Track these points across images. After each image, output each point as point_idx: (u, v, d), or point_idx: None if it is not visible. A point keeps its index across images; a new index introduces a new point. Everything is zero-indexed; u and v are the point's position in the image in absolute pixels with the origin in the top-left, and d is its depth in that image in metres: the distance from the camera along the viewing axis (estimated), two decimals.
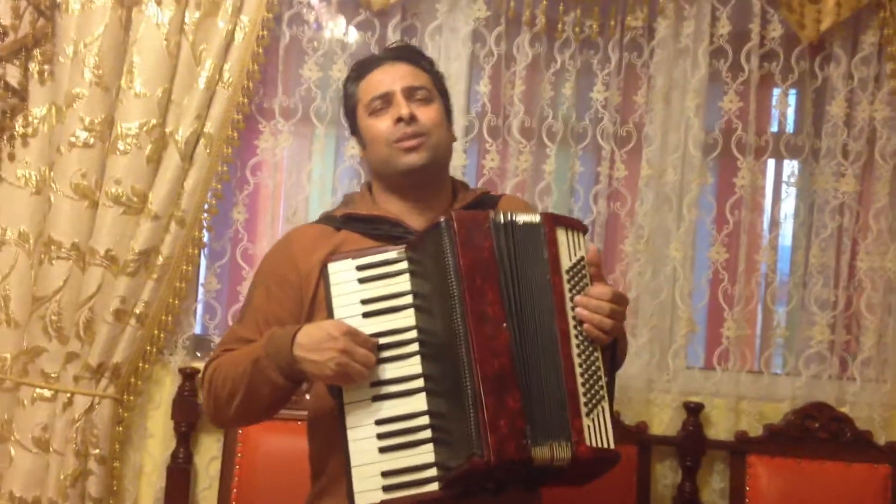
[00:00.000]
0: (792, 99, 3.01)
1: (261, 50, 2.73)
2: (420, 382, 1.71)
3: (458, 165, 2.86)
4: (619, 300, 1.77)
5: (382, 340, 1.73)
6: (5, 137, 2.71)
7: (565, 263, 1.74)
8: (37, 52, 2.69)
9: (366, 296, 1.75)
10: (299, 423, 2.74)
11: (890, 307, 2.95)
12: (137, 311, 2.70)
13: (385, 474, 1.68)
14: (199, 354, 2.91)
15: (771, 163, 3.02)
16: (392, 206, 1.98)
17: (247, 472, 2.74)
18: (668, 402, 2.90)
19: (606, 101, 2.88)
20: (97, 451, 2.69)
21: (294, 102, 2.87)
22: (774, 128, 2.99)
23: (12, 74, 2.68)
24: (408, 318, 1.74)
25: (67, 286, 2.68)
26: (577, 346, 1.71)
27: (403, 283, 1.75)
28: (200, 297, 2.92)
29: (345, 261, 1.78)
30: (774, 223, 2.98)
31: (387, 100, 1.95)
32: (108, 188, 2.66)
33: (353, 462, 1.70)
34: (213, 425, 2.75)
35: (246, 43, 2.69)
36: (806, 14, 2.78)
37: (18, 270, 2.71)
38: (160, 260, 2.70)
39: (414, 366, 1.72)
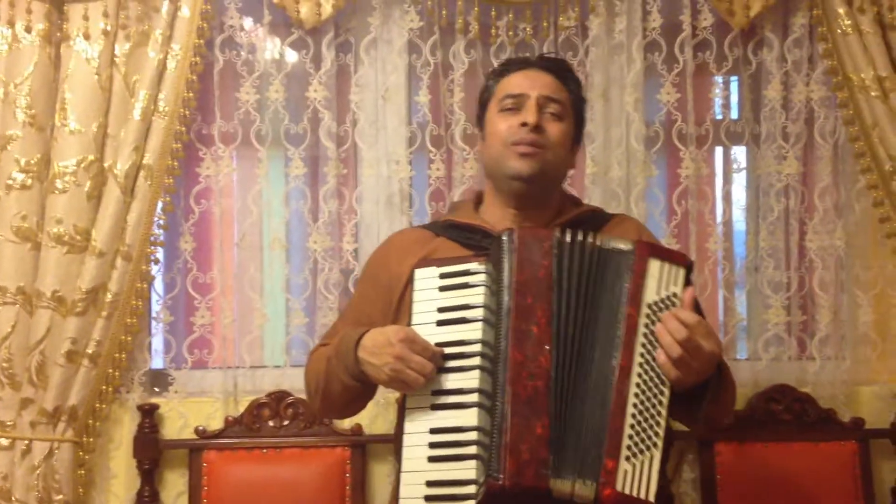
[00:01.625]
0: (734, 86, 3.03)
1: (195, 77, 2.71)
2: (475, 397, 1.69)
3: (405, 177, 2.85)
4: (702, 334, 1.65)
5: (450, 350, 1.73)
6: None
7: (650, 297, 1.67)
8: None
9: (443, 304, 1.77)
10: (264, 450, 2.77)
11: (842, 284, 2.97)
12: (90, 351, 2.66)
13: (429, 484, 1.68)
14: (156, 389, 2.87)
15: (719, 150, 3.04)
16: (494, 213, 1.98)
17: None
18: None
19: None
20: (60, 496, 2.65)
21: (233, 127, 2.85)
22: (719, 115, 3.00)
23: None
24: (475, 330, 1.72)
25: (16, 331, 2.65)
26: (639, 385, 1.64)
27: (478, 295, 1.74)
28: (154, 330, 2.88)
29: (430, 268, 1.81)
30: (723, 210, 2.99)
31: (519, 102, 1.93)
32: (49, 228, 2.62)
33: (403, 467, 1.72)
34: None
35: (179, 71, 2.67)
36: (735, 1, 2.80)
37: None
38: (109, 297, 2.66)
39: (472, 379, 1.71)
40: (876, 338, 2.96)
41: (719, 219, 2.99)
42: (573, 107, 2.00)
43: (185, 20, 2.67)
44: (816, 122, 2.92)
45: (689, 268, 1.73)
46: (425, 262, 1.85)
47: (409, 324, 1.78)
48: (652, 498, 1.60)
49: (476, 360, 1.70)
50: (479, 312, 1.73)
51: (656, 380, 1.65)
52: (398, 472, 1.74)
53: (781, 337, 2.94)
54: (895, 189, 2.83)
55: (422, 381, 1.71)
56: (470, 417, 1.68)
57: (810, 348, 2.97)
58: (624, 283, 1.67)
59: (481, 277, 1.74)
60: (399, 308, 1.92)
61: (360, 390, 1.88)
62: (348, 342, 1.82)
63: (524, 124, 1.89)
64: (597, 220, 2.01)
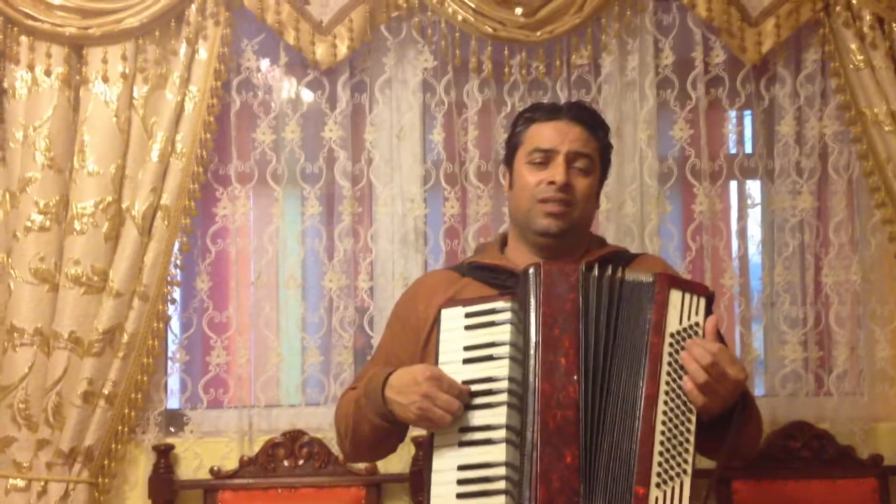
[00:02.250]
0: (747, 121, 3.04)
1: (212, 118, 2.74)
2: (503, 433, 1.70)
3: (420, 215, 2.86)
4: (726, 361, 1.67)
5: (477, 388, 1.74)
6: None
7: (672, 326, 1.70)
8: None
9: (469, 342, 1.78)
10: (279, 490, 2.76)
11: (859, 319, 2.96)
12: (106, 392, 2.67)
13: None
14: (172, 430, 2.87)
15: (733, 185, 3.04)
16: (520, 257, 1.98)
17: None
18: None
19: None
20: None
21: (250, 167, 2.87)
22: (733, 150, 3.01)
23: None
24: (502, 367, 1.73)
25: (33, 372, 2.66)
26: (665, 412, 1.66)
27: (504, 333, 1.75)
28: (170, 370, 2.89)
29: (456, 308, 1.82)
30: (738, 245, 2.99)
31: (548, 156, 1.95)
32: (67, 269, 2.64)
33: None
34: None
35: (196, 112, 2.70)
36: (746, 38, 2.81)
37: None
38: (125, 337, 2.67)
39: (500, 416, 1.71)
40: (894, 374, 2.94)
41: (734, 254, 2.99)
42: (601, 154, 2.02)
43: (202, 63, 2.71)
44: (830, 157, 2.92)
45: (709, 298, 1.75)
46: (451, 302, 1.87)
47: (435, 363, 1.79)
48: None
49: (504, 397, 1.71)
50: (505, 350, 1.74)
51: (683, 407, 1.67)
52: None
53: (799, 373, 2.93)
54: None
55: (448, 419, 1.72)
56: (498, 453, 1.68)
57: (828, 384, 2.95)
58: (647, 314, 1.70)
59: (507, 316, 1.76)
60: (425, 348, 1.94)
61: (390, 430, 1.89)
62: (376, 382, 1.84)
63: (552, 183, 1.92)
64: (621, 259, 2.01)
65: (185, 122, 2.70)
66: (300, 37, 2.74)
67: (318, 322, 2.90)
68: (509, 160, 2.06)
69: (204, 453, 2.83)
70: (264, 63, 2.87)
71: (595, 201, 2.04)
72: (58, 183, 2.66)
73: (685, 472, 1.64)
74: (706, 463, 2.80)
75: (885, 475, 2.86)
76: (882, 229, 2.91)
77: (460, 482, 1.70)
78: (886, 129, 2.80)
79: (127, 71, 2.67)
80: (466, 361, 1.77)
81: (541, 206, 1.93)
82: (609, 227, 2.87)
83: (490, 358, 1.75)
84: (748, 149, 3.03)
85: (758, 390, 3.03)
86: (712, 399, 1.67)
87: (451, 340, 1.80)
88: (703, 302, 1.73)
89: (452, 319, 1.81)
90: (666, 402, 1.66)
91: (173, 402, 2.93)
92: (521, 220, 1.99)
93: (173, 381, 2.91)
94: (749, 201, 3.01)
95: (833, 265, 2.93)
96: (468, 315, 1.80)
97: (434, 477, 1.74)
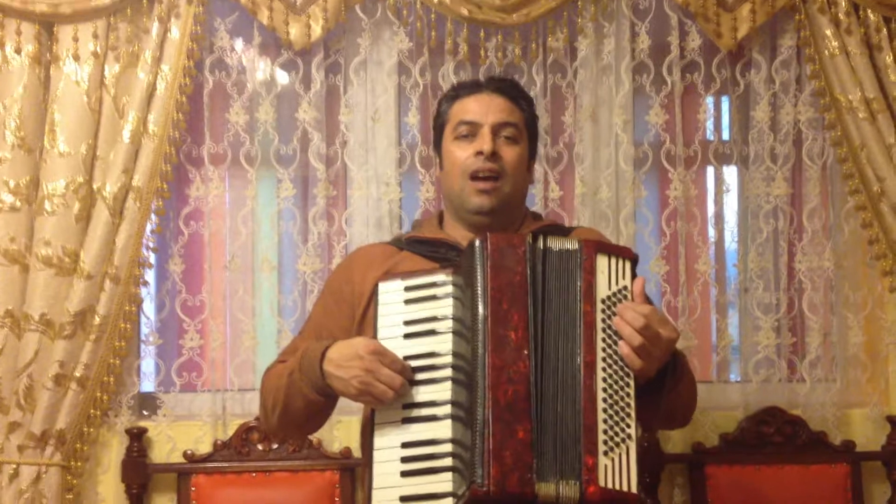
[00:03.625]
0: (724, 107, 3.05)
1: (184, 98, 2.71)
2: (448, 409, 1.67)
3: (395, 198, 2.85)
4: (657, 322, 1.68)
5: (419, 363, 1.71)
6: None
7: (602, 292, 1.69)
8: None
9: (409, 317, 1.75)
10: (253, 474, 2.75)
11: (832, 306, 2.98)
12: (77, 375, 2.65)
13: (403, 499, 1.66)
14: (145, 413, 2.85)
15: (709, 171, 3.04)
16: (457, 233, 1.98)
17: None
18: None
19: None
20: None
21: (223, 148, 2.85)
22: (710, 136, 3.01)
23: None
24: (445, 342, 1.71)
25: (4, 354, 2.64)
26: (605, 379, 1.64)
27: (446, 306, 1.73)
28: (143, 353, 2.87)
29: (395, 281, 1.78)
30: (714, 231, 3.00)
31: (474, 129, 1.95)
32: (38, 250, 2.62)
33: (374, 483, 1.69)
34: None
35: (168, 92, 2.67)
36: (722, 23, 2.81)
37: None
38: (97, 320, 2.65)
39: (445, 391, 1.69)
40: (866, 360, 2.97)
41: (710, 240, 3.00)
42: (527, 126, 2.02)
43: (174, 42, 2.68)
44: (805, 144, 2.93)
45: (634, 260, 1.75)
46: (390, 275, 1.84)
47: (374, 338, 1.76)
48: (635, 489, 1.61)
49: (448, 372, 1.69)
50: (448, 324, 1.71)
51: (620, 372, 1.66)
52: (368, 488, 1.71)
53: (771, 359, 2.94)
54: (883, 210, 2.84)
55: (391, 395, 1.69)
56: (444, 430, 1.66)
57: (801, 370, 2.96)
58: (577, 282, 1.68)
59: (448, 289, 1.73)
60: (362, 323, 1.91)
61: (322, 405, 1.86)
62: (312, 355, 1.79)
63: (480, 153, 1.91)
64: (560, 231, 2.03)
65: (157, 102, 2.67)
66: (274, 16, 2.71)
67: (293, 305, 2.88)
68: (437, 142, 2.05)
69: (177, 437, 2.82)
70: (237, 43, 2.85)
71: (527, 175, 2.03)
72: (28, 163, 2.63)
73: (630, 437, 1.62)
74: (679, 447, 2.86)
75: (857, 461, 2.89)
76: (855, 216, 2.93)
77: (404, 459, 1.67)
78: (860, 115, 2.80)
79: (98, 49, 2.64)
80: (408, 336, 1.74)
81: (472, 185, 1.92)
82: (584, 211, 2.87)
83: (432, 332, 1.72)
84: (724, 135, 3.03)
85: (733, 376, 3.05)
86: (648, 360, 1.66)
87: (389, 314, 1.76)
88: (629, 265, 1.73)
89: (391, 293, 1.78)
90: (604, 369, 1.65)
91: (147, 386, 2.91)
92: (454, 200, 1.98)
93: (146, 365, 2.89)
94: (724, 187, 3.01)
95: (807, 251, 2.94)
96: (408, 288, 1.76)
97: (376, 455, 1.70)
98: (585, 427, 1.61)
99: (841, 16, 2.80)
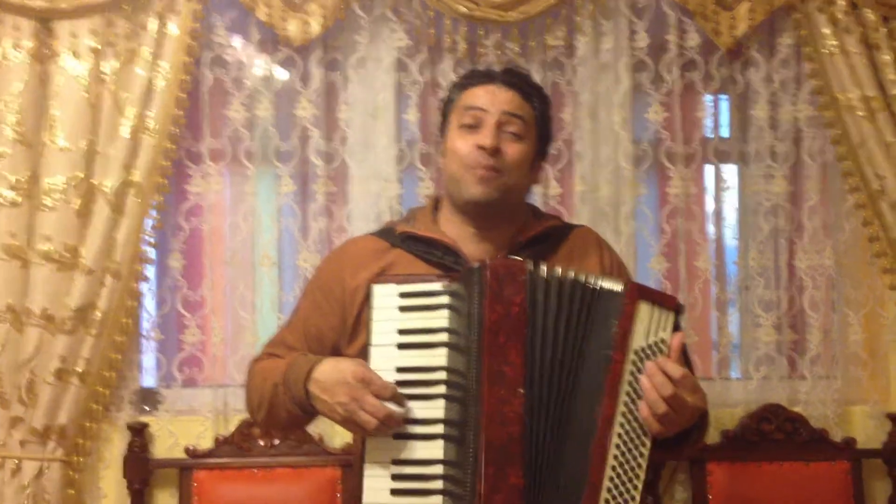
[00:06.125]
0: (723, 105, 3.05)
1: (184, 94, 2.73)
2: (440, 428, 1.61)
3: (395, 195, 2.86)
4: (688, 390, 1.57)
5: (411, 377, 1.64)
6: None
7: (637, 342, 1.58)
8: None
9: (404, 326, 1.66)
10: (255, 470, 2.75)
11: (833, 303, 2.98)
12: (79, 370, 2.66)
13: None
14: (146, 408, 2.86)
15: (709, 169, 3.04)
16: (452, 228, 1.87)
17: None
18: None
19: None
20: None
21: (222, 144, 2.86)
22: (710, 134, 3.01)
23: None
24: (439, 356, 1.63)
25: (5, 349, 2.65)
26: (620, 435, 1.56)
27: (441, 318, 1.64)
28: (144, 349, 2.88)
29: (390, 285, 1.69)
30: (714, 229, 3.00)
31: (479, 118, 1.83)
32: (38, 246, 2.63)
33: (365, 497, 1.64)
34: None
35: (168, 88, 2.69)
36: (720, 21, 2.81)
37: None
38: (98, 315, 2.66)
39: (437, 409, 1.61)
40: (867, 357, 2.96)
41: (710, 237, 2.99)
42: (536, 123, 1.90)
43: (173, 38, 2.69)
44: (804, 142, 2.93)
45: (678, 312, 1.64)
46: (384, 277, 1.76)
47: (367, 343, 1.68)
48: None
49: (441, 389, 1.62)
50: (442, 337, 1.64)
51: (638, 431, 1.58)
52: (359, 499, 1.67)
53: (772, 356, 2.93)
54: (883, 208, 2.83)
55: (374, 424, 1.61)
56: (435, 450, 1.60)
57: (801, 367, 2.96)
58: (611, 327, 1.59)
59: (445, 300, 1.65)
60: (357, 324, 1.83)
61: (309, 418, 1.81)
62: (298, 373, 1.72)
63: (481, 147, 1.80)
64: (562, 231, 1.93)
65: (157, 99, 2.68)
66: (272, 13, 2.72)
67: (293, 301, 2.87)
68: (443, 128, 1.95)
69: (179, 432, 2.83)
70: (236, 40, 2.86)
71: (531, 174, 1.91)
72: (28, 158, 2.65)
73: (634, 497, 1.56)
74: None
75: (857, 458, 2.88)
76: (855, 214, 2.92)
77: (395, 477, 1.62)
78: (860, 114, 2.80)
79: (97, 45, 2.65)
80: (401, 346, 1.66)
81: (471, 172, 1.80)
82: (584, 209, 2.87)
83: (427, 345, 1.64)
84: (724, 133, 3.03)
85: (733, 373, 3.04)
86: (669, 427, 1.58)
87: (384, 321, 1.67)
88: (671, 317, 1.61)
89: (386, 297, 1.68)
90: (622, 425, 1.57)
91: (148, 381, 2.93)
92: (452, 187, 1.86)
93: (148, 360, 2.91)
94: (724, 185, 3.00)
95: (807, 249, 2.94)
96: (403, 295, 1.68)
97: (367, 468, 1.64)
98: (590, 484, 1.54)
99: (839, 14, 2.80)
